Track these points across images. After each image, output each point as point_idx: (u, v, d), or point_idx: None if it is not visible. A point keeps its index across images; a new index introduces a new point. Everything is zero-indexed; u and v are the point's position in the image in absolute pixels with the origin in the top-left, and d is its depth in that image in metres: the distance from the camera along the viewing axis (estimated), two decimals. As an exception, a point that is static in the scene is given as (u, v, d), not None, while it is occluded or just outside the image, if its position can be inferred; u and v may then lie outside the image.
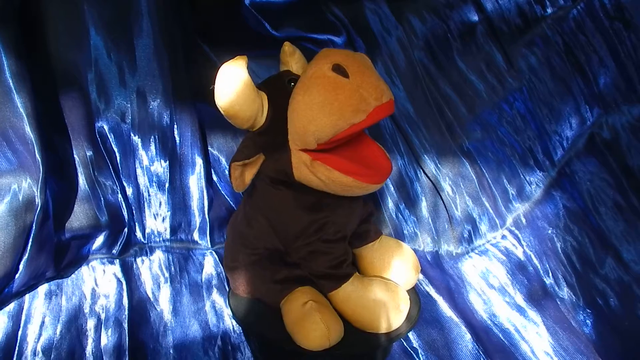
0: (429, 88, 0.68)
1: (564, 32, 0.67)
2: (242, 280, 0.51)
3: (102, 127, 0.62)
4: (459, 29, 0.68)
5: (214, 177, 0.70)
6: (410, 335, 0.55)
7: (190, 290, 0.61)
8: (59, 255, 0.60)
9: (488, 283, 0.64)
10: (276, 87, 0.45)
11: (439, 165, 0.68)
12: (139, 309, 0.58)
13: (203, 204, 0.67)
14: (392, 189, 0.70)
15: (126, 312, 0.57)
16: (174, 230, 0.67)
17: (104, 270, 0.62)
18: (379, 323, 0.45)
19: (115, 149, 0.63)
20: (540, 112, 0.69)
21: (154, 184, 0.65)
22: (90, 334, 0.54)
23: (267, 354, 0.52)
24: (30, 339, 0.53)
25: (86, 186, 0.62)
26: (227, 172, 0.70)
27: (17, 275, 0.54)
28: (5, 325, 0.53)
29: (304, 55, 0.50)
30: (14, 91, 0.52)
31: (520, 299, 0.61)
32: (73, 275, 0.61)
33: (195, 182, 0.66)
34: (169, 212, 0.66)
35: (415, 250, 0.60)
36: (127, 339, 0.53)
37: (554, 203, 0.68)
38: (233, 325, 0.57)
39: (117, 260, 0.63)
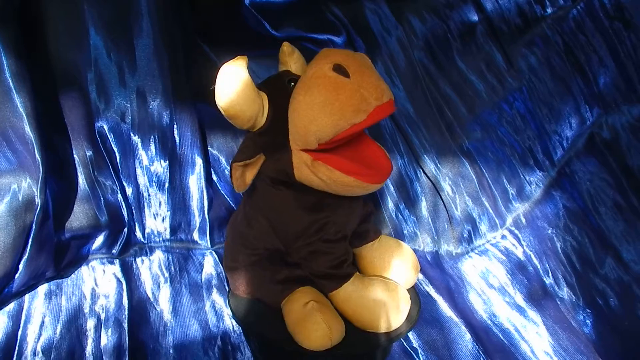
0: (429, 88, 0.68)
1: (564, 32, 0.67)
2: (242, 280, 0.51)
3: (102, 127, 0.62)
4: (459, 29, 0.68)
5: (214, 177, 0.70)
6: (410, 335, 0.55)
7: (190, 290, 0.61)
8: (58, 255, 0.60)
9: (488, 283, 0.64)
10: (276, 87, 0.45)
11: (438, 165, 0.69)
12: (138, 309, 0.58)
13: (203, 204, 0.67)
14: (392, 188, 0.70)
15: (126, 312, 0.57)
16: (173, 230, 0.67)
17: (103, 270, 0.62)
18: (380, 323, 0.45)
19: (115, 149, 0.63)
20: (540, 112, 0.69)
21: (153, 183, 0.65)
22: (90, 334, 0.54)
23: (267, 354, 0.52)
24: (30, 339, 0.53)
25: (86, 186, 0.62)
26: (227, 172, 0.70)
27: (17, 275, 0.54)
28: (5, 325, 0.53)
29: (304, 55, 0.50)
30: (14, 91, 0.52)
31: (520, 299, 0.61)
32: (73, 275, 0.61)
33: (195, 182, 0.66)
34: (169, 212, 0.66)
35: (415, 250, 0.60)
36: (127, 339, 0.53)
37: (554, 203, 0.68)
38: (233, 325, 0.57)
39: (117, 260, 0.63)
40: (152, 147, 0.64)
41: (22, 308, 0.55)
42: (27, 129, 0.53)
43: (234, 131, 0.68)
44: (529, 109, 0.69)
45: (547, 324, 0.57)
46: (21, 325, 0.54)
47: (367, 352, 0.48)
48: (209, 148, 0.68)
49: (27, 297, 0.57)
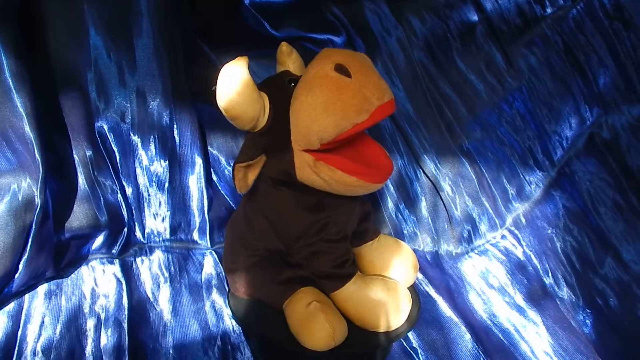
0: (429, 88, 0.68)
1: (564, 32, 0.67)
2: (242, 281, 0.51)
3: (102, 126, 0.62)
4: (459, 29, 0.68)
5: (214, 177, 0.70)
6: (410, 335, 0.55)
7: (190, 290, 0.61)
8: (58, 255, 0.60)
9: (488, 283, 0.64)
10: (276, 88, 0.45)
11: (438, 165, 0.69)
12: (138, 309, 0.58)
13: (203, 204, 0.67)
14: (392, 188, 0.70)
15: (126, 312, 0.57)
16: (173, 230, 0.67)
17: (103, 270, 0.62)
18: (382, 322, 0.45)
19: (115, 149, 0.63)
20: (539, 112, 0.69)
21: (153, 183, 0.65)
22: (90, 334, 0.54)
23: (267, 354, 0.52)
24: (29, 338, 0.53)
25: (86, 186, 0.62)
26: (226, 172, 0.70)
27: (16, 275, 0.54)
28: (5, 325, 0.53)
29: (304, 56, 0.50)
30: (14, 91, 0.52)
31: (519, 299, 0.61)
32: (73, 275, 0.61)
33: (195, 182, 0.66)
34: (169, 212, 0.66)
35: (415, 250, 0.60)
36: (126, 339, 0.53)
37: (554, 203, 0.68)
38: (233, 325, 0.57)
39: (117, 260, 0.63)
40: (152, 147, 0.64)
41: (22, 308, 0.55)
42: (27, 129, 0.53)
43: (233, 131, 0.68)
44: (529, 109, 0.69)
45: (547, 324, 0.57)
46: (21, 325, 0.54)
47: (367, 352, 0.48)
48: (209, 148, 0.68)
49: (26, 297, 0.57)
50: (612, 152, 0.66)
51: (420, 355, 0.54)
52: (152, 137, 0.64)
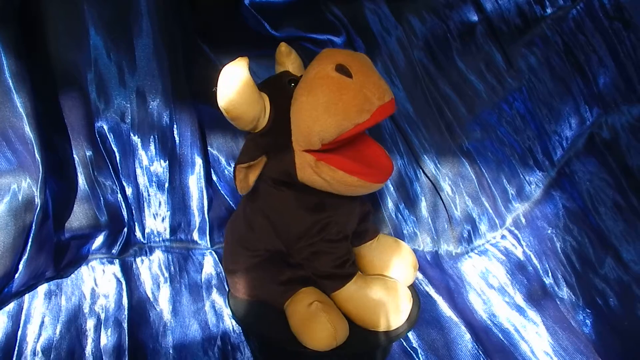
0: (429, 88, 0.68)
1: (564, 32, 0.67)
2: (243, 282, 0.51)
3: (102, 127, 0.62)
4: (459, 29, 0.68)
5: (214, 177, 0.70)
6: (410, 335, 0.55)
7: (189, 290, 0.61)
8: (58, 255, 0.60)
9: (488, 283, 0.64)
10: (277, 88, 0.45)
11: (438, 165, 0.69)
12: (138, 309, 0.58)
13: (203, 204, 0.67)
14: (392, 188, 0.70)
15: (126, 312, 0.57)
16: (173, 230, 0.67)
17: (103, 270, 0.62)
18: (383, 321, 0.45)
19: (115, 149, 0.63)
20: (539, 112, 0.69)
21: (153, 183, 0.65)
22: (90, 334, 0.54)
23: (267, 354, 0.52)
24: (29, 338, 0.53)
25: (86, 186, 0.62)
26: (226, 172, 0.70)
27: (16, 275, 0.54)
28: (5, 325, 0.53)
29: (304, 56, 0.50)
30: (14, 91, 0.52)
31: (519, 299, 0.61)
32: (73, 275, 0.61)
33: (194, 182, 0.66)
34: (169, 212, 0.66)
35: (414, 250, 0.60)
36: (126, 339, 0.53)
37: (554, 203, 0.68)
38: (233, 325, 0.57)
39: (117, 260, 0.63)
40: (152, 147, 0.64)
41: (22, 308, 0.55)
42: (27, 129, 0.53)
43: (233, 131, 0.68)
44: (529, 109, 0.69)
45: (547, 324, 0.57)
46: (21, 325, 0.54)
47: (368, 352, 0.48)
48: (209, 148, 0.68)
49: (26, 297, 0.57)
50: (612, 152, 0.66)
51: (420, 355, 0.54)
52: (152, 137, 0.64)
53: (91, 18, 0.58)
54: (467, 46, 0.68)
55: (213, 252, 0.67)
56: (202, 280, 0.63)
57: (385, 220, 0.71)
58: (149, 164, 0.64)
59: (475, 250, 0.69)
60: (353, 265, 0.48)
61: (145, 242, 0.67)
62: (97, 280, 0.61)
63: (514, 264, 0.65)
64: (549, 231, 0.67)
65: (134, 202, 0.65)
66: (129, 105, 0.62)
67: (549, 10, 0.68)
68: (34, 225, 0.54)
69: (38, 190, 0.54)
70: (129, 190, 0.65)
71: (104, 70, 0.60)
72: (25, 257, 0.54)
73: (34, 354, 0.51)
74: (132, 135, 0.63)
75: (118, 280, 0.61)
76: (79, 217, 0.62)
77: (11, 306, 0.55)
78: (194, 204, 0.67)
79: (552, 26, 0.67)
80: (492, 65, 0.68)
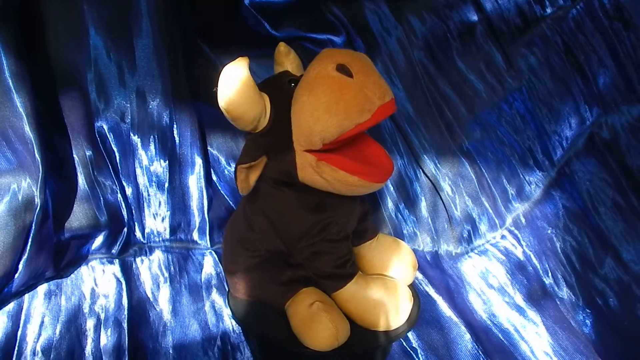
0: (429, 88, 0.68)
1: (564, 32, 0.67)
2: (243, 283, 0.51)
3: (102, 126, 0.62)
4: (459, 29, 0.68)
5: (214, 177, 0.70)
6: (410, 335, 0.55)
7: (189, 290, 0.61)
8: (58, 255, 0.60)
9: (487, 283, 0.64)
10: (277, 88, 0.45)
11: (438, 165, 0.69)
12: (138, 309, 0.58)
13: (202, 204, 0.67)
14: (392, 188, 0.70)
15: (126, 312, 0.57)
16: (173, 230, 0.67)
17: (103, 270, 0.62)
18: (383, 321, 0.45)
19: (115, 149, 0.63)
20: (539, 112, 0.69)
21: (153, 183, 0.65)
22: (90, 334, 0.54)
23: (267, 354, 0.52)
24: (29, 338, 0.53)
25: (86, 186, 0.62)
26: (226, 172, 0.70)
27: (16, 275, 0.54)
28: (5, 325, 0.53)
29: (304, 56, 0.50)
30: (14, 91, 0.52)
31: (519, 299, 0.61)
32: (72, 275, 0.61)
33: (194, 182, 0.66)
34: (169, 212, 0.66)
35: (414, 250, 0.60)
36: (126, 339, 0.53)
37: (554, 203, 0.68)
38: (232, 325, 0.57)
39: (117, 260, 0.63)
40: (152, 147, 0.64)
41: (22, 308, 0.56)
42: (27, 129, 0.53)
43: (233, 131, 0.68)
44: (529, 109, 0.69)
45: (547, 324, 0.57)
46: (21, 325, 0.54)
47: (368, 351, 0.48)
48: (209, 148, 0.68)
49: (26, 297, 0.57)
50: (612, 152, 0.67)
51: (420, 355, 0.54)
52: (152, 137, 0.64)
53: (91, 18, 0.58)
54: (467, 46, 0.68)
55: (213, 252, 0.67)
56: (202, 280, 0.63)
57: (385, 220, 0.71)
58: (149, 163, 0.64)
59: (475, 250, 0.69)
60: (354, 265, 0.48)
61: (145, 242, 0.67)
62: (97, 280, 0.61)
63: (514, 264, 0.65)
64: (549, 231, 0.67)
65: (133, 202, 0.65)
66: (128, 105, 0.62)
67: (548, 10, 0.68)
68: (33, 225, 0.54)
69: (38, 190, 0.54)
70: (128, 190, 0.65)
71: (104, 70, 0.60)
72: (25, 257, 0.54)
73: (34, 354, 0.51)
74: (132, 135, 0.63)
75: (118, 280, 0.61)
76: (78, 217, 0.62)
77: (11, 306, 0.55)
78: (194, 203, 0.67)
79: (552, 26, 0.67)
80: (492, 65, 0.68)
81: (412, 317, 0.48)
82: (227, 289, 0.55)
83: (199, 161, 0.66)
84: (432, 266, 0.67)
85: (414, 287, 0.55)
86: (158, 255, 0.65)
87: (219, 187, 0.70)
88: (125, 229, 0.65)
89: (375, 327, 0.46)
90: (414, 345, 0.54)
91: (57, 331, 0.54)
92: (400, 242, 0.55)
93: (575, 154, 0.69)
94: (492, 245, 0.69)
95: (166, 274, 0.63)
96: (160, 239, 0.67)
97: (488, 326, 0.58)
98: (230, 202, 0.70)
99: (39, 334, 0.53)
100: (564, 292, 0.61)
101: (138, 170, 0.65)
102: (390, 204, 0.71)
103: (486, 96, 0.68)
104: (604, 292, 0.60)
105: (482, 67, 0.68)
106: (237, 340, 0.55)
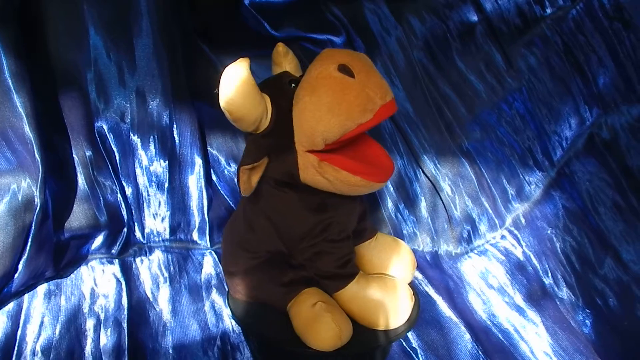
0: (429, 88, 0.68)
1: (563, 32, 0.68)
2: (243, 284, 0.50)
3: (102, 126, 0.62)
4: (459, 29, 0.68)
5: (214, 177, 0.70)
6: (410, 335, 0.55)
7: (189, 290, 0.61)
8: (58, 255, 0.60)
9: (487, 283, 0.64)
10: (277, 89, 0.45)
11: (438, 165, 0.69)
12: (138, 309, 0.58)
13: (202, 204, 0.67)
14: (392, 189, 0.71)
15: (125, 312, 0.57)
16: (173, 230, 0.67)
17: (103, 270, 0.62)
18: (385, 320, 0.46)
19: (115, 149, 0.63)
20: (539, 112, 0.69)
21: (153, 183, 0.65)
22: (90, 333, 0.54)
23: (267, 354, 0.52)
24: (29, 338, 0.53)
25: (85, 186, 0.62)
26: (226, 172, 0.70)
27: (16, 275, 0.54)
28: (5, 325, 0.53)
29: (304, 56, 0.50)
30: (14, 91, 0.52)
31: (519, 299, 0.61)
32: (72, 275, 0.61)
33: (194, 182, 0.66)
34: (168, 212, 0.66)
35: (414, 250, 0.60)
36: (126, 339, 0.53)
37: (554, 203, 0.68)
38: (232, 325, 0.57)
39: (117, 260, 0.63)
40: (152, 147, 0.64)
41: (22, 308, 0.55)
42: (27, 129, 0.53)
43: (233, 131, 0.68)
44: (529, 109, 0.69)
45: (547, 324, 0.57)
46: (20, 325, 0.54)
47: (368, 351, 0.48)
48: (209, 148, 0.68)
49: (26, 297, 0.57)
50: (612, 152, 0.67)
51: (419, 355, 0.54)
52: (151, 137, 0.64)
53: (91, 18, 0.58)
54: (467, 46, 0.68)
55: (213, 252, 0.67)
56: (202, 280, 0.63)
57: (385, 220, 0.71)
58: (149, 163, 0.64)
59: (474, 250, 0.69)
60: (355, 265, 0.48)
61: (145, 242, 0.67)
62: (97, 280, 0.61)
63: (514, 264, 0.65)
64: (549, 231, 0.67)
65: (133, 202, 0.65)
66: (128, 105, 0.62)
67: (548, 11, 0.68)
68: (33, 225, 0.54)
69: (38, 190, 0.54)
70: (128, 190, 0.65)
71: (104, 70, 0.60)
72: (24, 257, 0.54)
73: (34, 354, 0.51)
74: (131, 135, 0.63)
75: (118, 280, 0.61)
76: (78, 217, 0.62)
77: (11, 306, 0.55)
78: (194, 204, 0.67)
79: (552, 26, 0.67)
80: (491, 66, 0.68)
81: (412, 317, 0.48)
82: (226, 289, 0.55)
83: (198, 161, 0.66)
84: (432, 266, 0.67)
85: (414, 287, 0.55)
86: (158, 255, 0.65)
87: (219, 187, 0.70)
88: (125, 229, 0.65)
89: (376, 327, 0.46)
90: (413, 345, 0.54)
91: (57, 331, 0.54)
92: (399, 242, 0.55)
93: (575, 154, 0.69)
94: (492, 245, 0.69)
95: (166, 274, 0.63)
96: (160, 239, 0.67)
97: (488, 326, 0.58)
98: (230, 202, 0.70)
99: (39, 334, 0.53)
100: (564, 292, 0.61)
101: (138, 170, 0.65)
102: (390, 204, 0.71)
103: (486, 96, 0.68)
104: (604, 292, 0.60)
105: (482, 67, 0.68)
106: (237, 340, 0.55)
